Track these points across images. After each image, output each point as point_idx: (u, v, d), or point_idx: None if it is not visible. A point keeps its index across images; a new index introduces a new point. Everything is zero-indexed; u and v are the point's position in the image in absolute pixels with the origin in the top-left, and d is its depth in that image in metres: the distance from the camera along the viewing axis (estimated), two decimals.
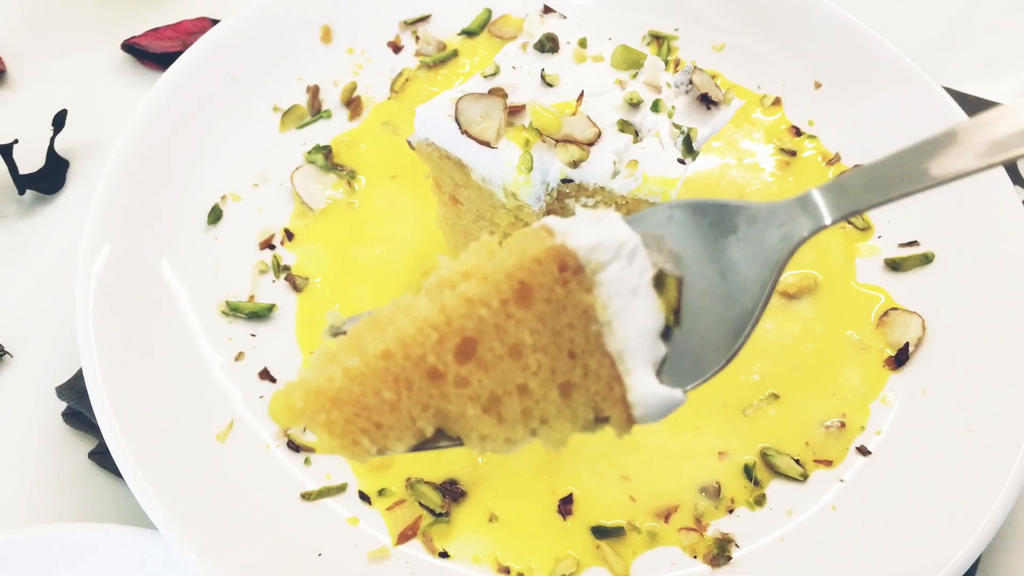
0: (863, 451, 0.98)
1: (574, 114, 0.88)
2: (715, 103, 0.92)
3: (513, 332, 0.60)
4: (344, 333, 0.63)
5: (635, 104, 0.90)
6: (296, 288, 1.07)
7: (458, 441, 0.63)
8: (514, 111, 0.88)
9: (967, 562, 0.85)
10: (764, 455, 0.97)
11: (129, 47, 1.36)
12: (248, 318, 1.04)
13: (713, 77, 0.95)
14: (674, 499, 0.95)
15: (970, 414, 0.96)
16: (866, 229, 1.14)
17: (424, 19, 1.30)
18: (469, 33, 1.30)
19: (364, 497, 0.94)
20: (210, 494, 0.89)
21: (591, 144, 0.87)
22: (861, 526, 0.92)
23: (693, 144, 0.89)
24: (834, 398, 1.01)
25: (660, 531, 0.93)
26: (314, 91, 1.23)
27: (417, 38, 1.29)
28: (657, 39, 1.30)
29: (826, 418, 1.00)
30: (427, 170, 0.98)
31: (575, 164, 0.86)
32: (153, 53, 1.35)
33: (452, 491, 0.94)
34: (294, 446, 0.96)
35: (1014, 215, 1.06)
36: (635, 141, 0.89)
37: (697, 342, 0.65)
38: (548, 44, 0.95)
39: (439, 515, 0.92)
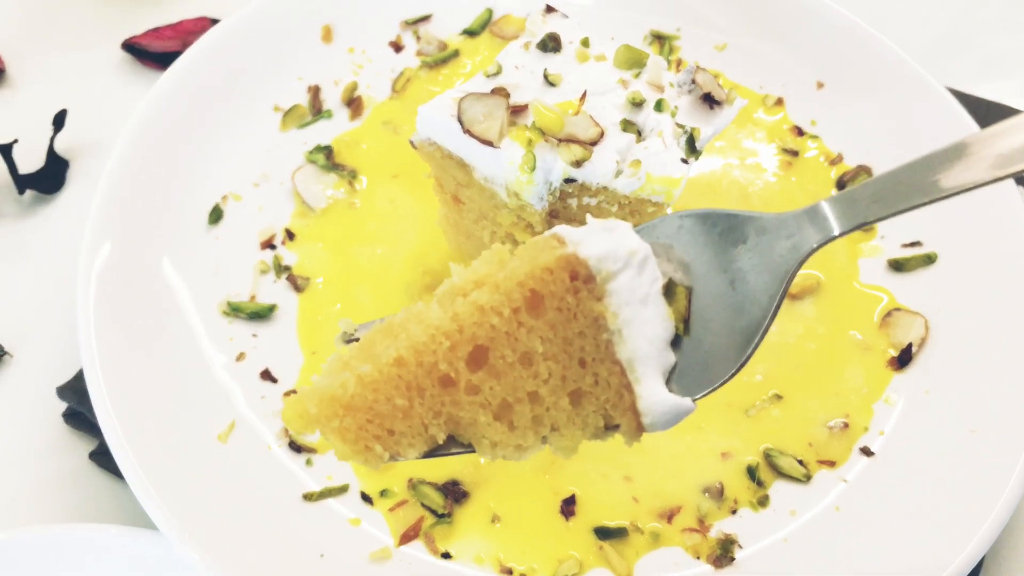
0: (866, 451, 0.97)
1: (577, 113, 0.88)
2: (718, 103, 0.92)
3: (524, 340, 0.61)
4: (356, 340, 0.64)
5: (638, 104, 0.90)
6: (297, 288, 1.07)
7: (469, 448, 0.63)
8: (517, 110, 0.88)
9: (971, 563, 0.84)
10: (767, 456, 0.97)
11: (129, 47, 1.36)
12: (249, 318, 1.04)
13: (715, 77, 0.95)
14: (677, 500, 0.94)
15: (973, 414, 0.96)
16: (869, 230, 1.14)
17: (425, 19, 1.30)
18: (470, 33, 1.30)
19: (366, 498, 0.93)
20: (211, 495, 0.88)
21: (594, 144, 0.86)
22: (864, 527, 0.92)
23: (696, 144, 0.89)
24: (837, 398, 1.01)
25: (663, 532, 0.93)
26: (315, 91, 1.23)
27: (418, 38, 1.29)
28: (659, 39, 1.30)
29: (829, 418, 1.00)
30: (429, 170, 0.98)
31: (578, 164, 0.85)
32: (153, 53, 1.35)
33: (454, 492, 0.94)
34: (296, 447, 0.96)
35: (1017, 216, 1.06)
36: (638, 141, 0.88)
37: (706, 351, 0.66)
38: (551, 43, 0.94)
39: (441, 516, 0.92)
